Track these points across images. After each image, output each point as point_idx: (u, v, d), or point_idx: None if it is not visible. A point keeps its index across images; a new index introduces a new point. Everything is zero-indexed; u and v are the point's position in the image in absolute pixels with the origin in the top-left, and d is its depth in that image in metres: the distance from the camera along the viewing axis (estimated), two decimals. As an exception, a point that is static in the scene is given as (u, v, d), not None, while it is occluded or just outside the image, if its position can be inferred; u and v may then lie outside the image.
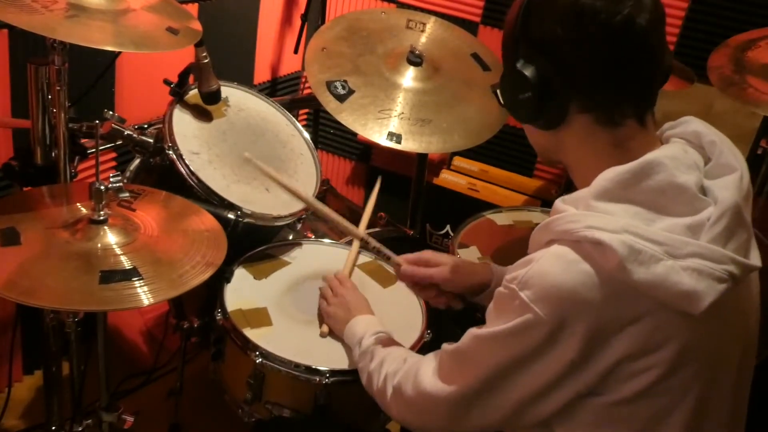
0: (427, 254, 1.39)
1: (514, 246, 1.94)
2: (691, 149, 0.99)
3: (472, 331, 1.03)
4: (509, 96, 1.01)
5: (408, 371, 1.15)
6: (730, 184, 0.95)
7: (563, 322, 0.91)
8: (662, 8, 0.97)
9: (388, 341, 1.32)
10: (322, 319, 1.49)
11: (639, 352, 0.91)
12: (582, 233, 0.91)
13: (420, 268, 1.36)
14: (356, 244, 1.66)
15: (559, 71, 0.95)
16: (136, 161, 1.75)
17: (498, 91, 1.04)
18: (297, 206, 1.70)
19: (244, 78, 2.56)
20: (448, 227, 2.49)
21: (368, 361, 1.26)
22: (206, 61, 1.65)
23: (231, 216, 1.55)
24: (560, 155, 1.05)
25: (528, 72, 0.96)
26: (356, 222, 1.67)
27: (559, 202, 1.02)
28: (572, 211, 0.96)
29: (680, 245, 0.89)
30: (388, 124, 1.85)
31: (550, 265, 0.93)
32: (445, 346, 1.09)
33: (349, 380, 1.37)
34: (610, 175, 0.94)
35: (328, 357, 1.41)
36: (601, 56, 0.93)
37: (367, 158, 3.00)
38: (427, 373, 1.10)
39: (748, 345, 1.03)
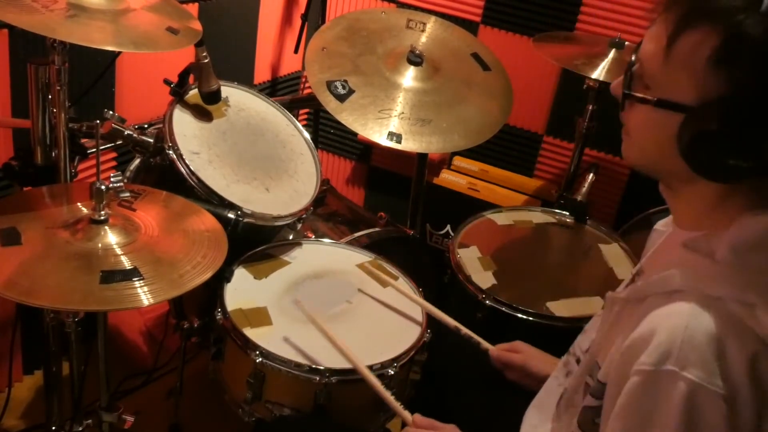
0: (519, 344, 1.42)
1: (514, 246, 1.94)
2: None
3: None
4: (713, 151, 0.82)
5: None
6: None
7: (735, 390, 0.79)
8: None
9: None
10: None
11: None
12: (727, 291, 0.81)
13: (511, 353, 1.40)
14: (376, 381, 1.34)
15: None
16: (136, 161, 1.75)
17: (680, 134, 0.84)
18: (297, 206, 1.70)
19: (244, 78, 2.56)
20: (448, 227, 2.49)
21: None
22: (206, 61, 1.65)
23: (231, 216, 1.55)
24: (678, 183, 0.92)
25: None
26: (356, 223, 1.66)
27: (681, 248, 0.90)
28: (701, 262, 0.86)
29: None
30: (388, 124, 1.85)
31: (695, 325, 0.80)
32: None
33: (349, 380, 1.37)
34: (757, 224, 0.83)
35: (329, 356, 1.41)
36: None
37: (367, 158, 3.00)
38: None
39: None
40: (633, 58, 0.91)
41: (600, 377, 0.93)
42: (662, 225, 1.08)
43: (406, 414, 1.27)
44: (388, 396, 1.29)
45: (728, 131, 0.80)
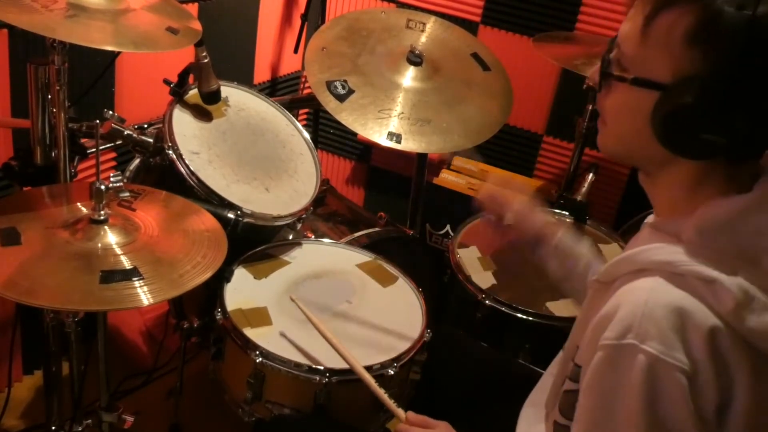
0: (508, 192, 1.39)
1: (514, 246, 1.94)
2: None
3: None
4: (687, 126, 0.83)
5: None
6: None
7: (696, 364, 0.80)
8: None
9: None
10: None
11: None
12: (688, 267, 0.82)
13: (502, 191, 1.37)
14: (369, 378, 1.33)
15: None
16: (136, 161, 1.75)
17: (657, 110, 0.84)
18: (297, 206, 1.70)
19: (244, 78, 2.56)
20: (448, 227, 2.49)
21: None
22: (206, 61, 1.65)
23: (231, 216, 1.55)
24: (655, 168, 0.93)
25: (741, 123, 0.80)
26: (356, 223, 1.66)
27: (650, 230, 0.93)
28: (668, 241, 0.87)
29: None
30: (388, 124, 1.85)
31: (656, 299, 0.81)
32: None
33: (349, 380, 1.37)
34: (725, 206, 0.84)
35: (328, 356, 1.41)
36: None
37: (367, 158, 3.00)
38: None
39: None
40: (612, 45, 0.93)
41: (576, 360, 0.94)
42: (650, 219, 1.09)
43: (399, 411, 1.26)
44: (381, 393, 1.29)
45: (701, 106, 0.81)
